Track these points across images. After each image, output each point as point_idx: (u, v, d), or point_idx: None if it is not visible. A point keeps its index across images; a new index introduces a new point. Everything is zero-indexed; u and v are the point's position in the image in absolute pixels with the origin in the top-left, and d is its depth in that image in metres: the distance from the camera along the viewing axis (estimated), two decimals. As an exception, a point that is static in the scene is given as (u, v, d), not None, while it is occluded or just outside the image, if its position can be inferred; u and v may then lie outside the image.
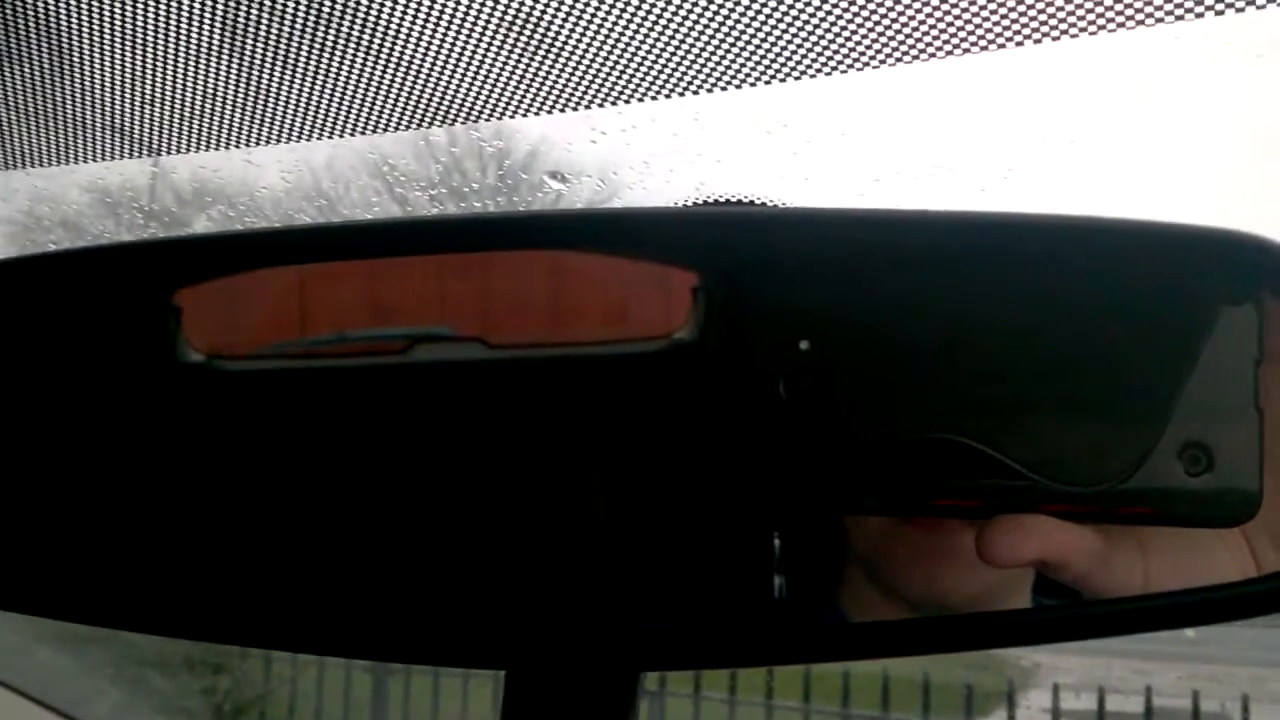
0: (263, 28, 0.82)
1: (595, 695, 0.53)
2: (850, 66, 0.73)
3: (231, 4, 0.79)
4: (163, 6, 0.80)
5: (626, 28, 0.76)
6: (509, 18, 0.77)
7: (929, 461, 0.45)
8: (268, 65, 0.84)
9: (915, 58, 0.71)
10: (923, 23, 0.71)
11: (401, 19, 0.80)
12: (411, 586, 0.50)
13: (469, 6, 0.77)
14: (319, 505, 0.50)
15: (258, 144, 0.92)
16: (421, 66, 0.82)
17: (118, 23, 0.82)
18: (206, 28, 0.83)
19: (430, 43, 0.80)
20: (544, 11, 0.76)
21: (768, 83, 0.77)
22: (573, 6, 0.75)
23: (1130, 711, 3.66)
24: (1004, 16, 0.69)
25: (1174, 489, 0.45)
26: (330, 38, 0.81)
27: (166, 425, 0.51)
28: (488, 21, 0.78)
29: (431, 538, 0.49)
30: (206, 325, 0.49)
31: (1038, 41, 0.67)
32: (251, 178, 1.31)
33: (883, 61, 0.72)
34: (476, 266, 0.47)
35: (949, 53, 0.70)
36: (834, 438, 0.46)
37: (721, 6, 0.73)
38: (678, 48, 0.75)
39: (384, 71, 0.83)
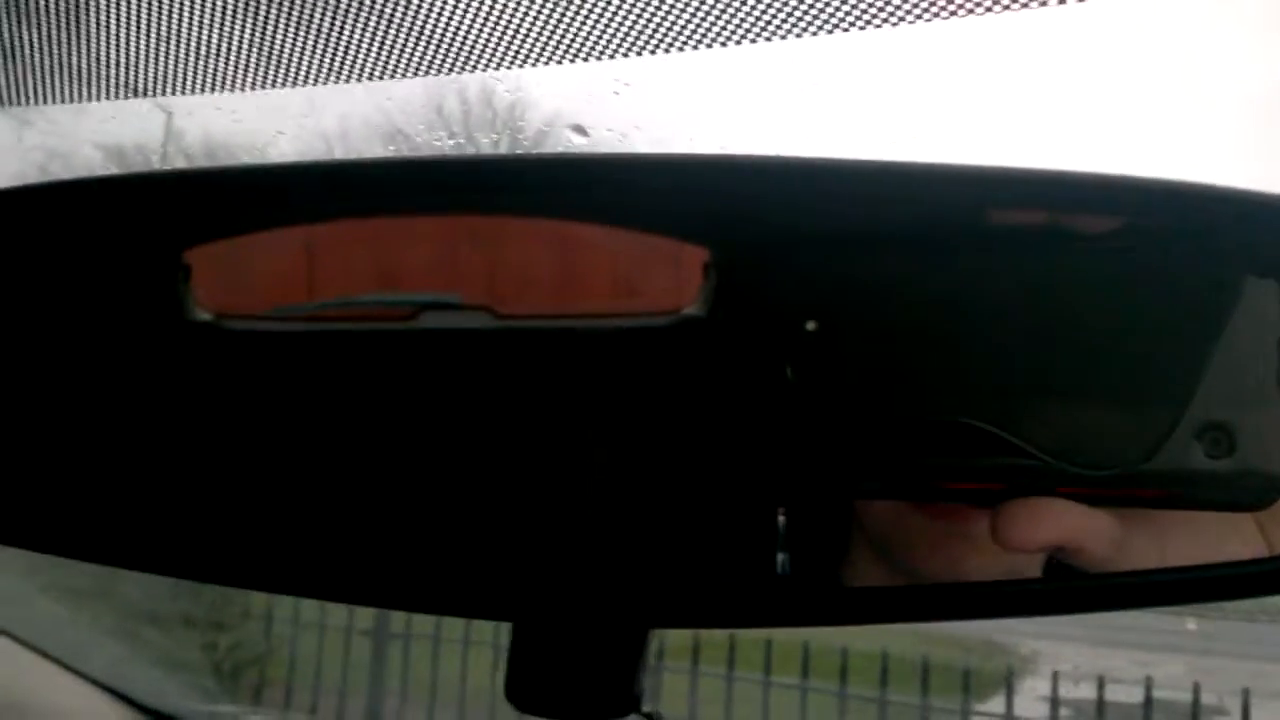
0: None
1: (603, 650, 0.52)
2: (885, 21, 0.70)
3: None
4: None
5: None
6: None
7: (941, 444, 0.45)
8: (278, 4, 0.82)
9: (953, 13, 0.68)
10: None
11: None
12: (423, 539, 0.50)
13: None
14: (330, 463, 0.50)
15: (266, 87, 0.90)
16: (437, 9, 0.80)
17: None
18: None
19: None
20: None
21: (799, 36, 0.74)
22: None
23: (1129, 702, 3.67)
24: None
25: (1194, 471, 0.44)
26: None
27: (173, 380, 0.51)
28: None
29: (442, 495, 0.50)
30: (215, 285, 0.49)
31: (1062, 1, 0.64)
32: (263, 141, 1.31)
33: (919, 17, 0.69)
34: (486, 233, 0.47)
35: (988, 9, 0.67)
36: (840, 420, 0.45)
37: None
38: (706, -3, 0.73)
39: (399, 14, 0.81)
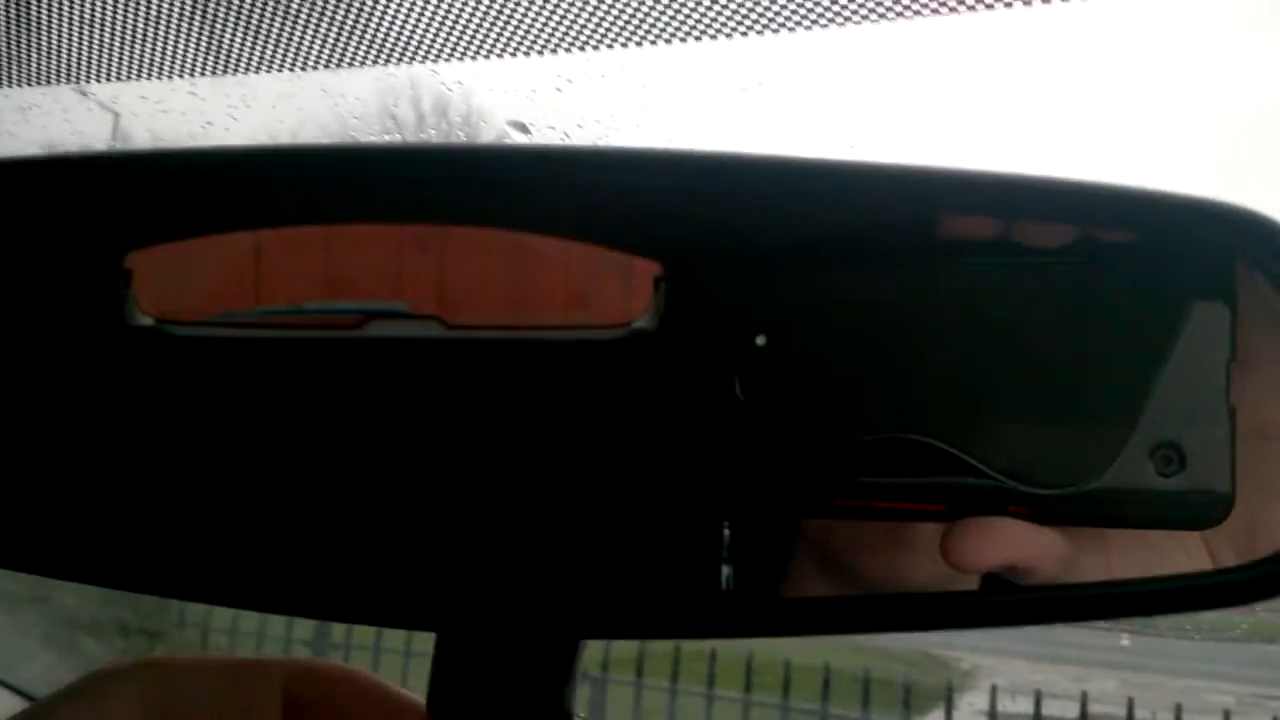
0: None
1: (530, 661, 0.51)
2: (833, 21, 0.70)
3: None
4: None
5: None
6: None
7: (891, 462, 0.44)
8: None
9: (902, 14, 0.68)
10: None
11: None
12: (347, 545, 0.49)
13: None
14: (265, 473, 0.49)
15: (207, 74, 0.88)
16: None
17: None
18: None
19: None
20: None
21: (744, 34, 0.74)
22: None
23: (1066, 716, 3.73)
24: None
25: (1145, 490, 0.44)
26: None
27: (112, 388, 0.50)
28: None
29: (372, 502, 0.49)
30: (157, 289, 0.48)
31: (1027, 3, 0.64)
32: (209, 140, 1.29)
33: (865, 17, 0.69)
34: (436, 242, 0.47)
35: (936, 10, 0.67)
36: (788, 436, 0.45)
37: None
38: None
39: (340, 3, 0.80)
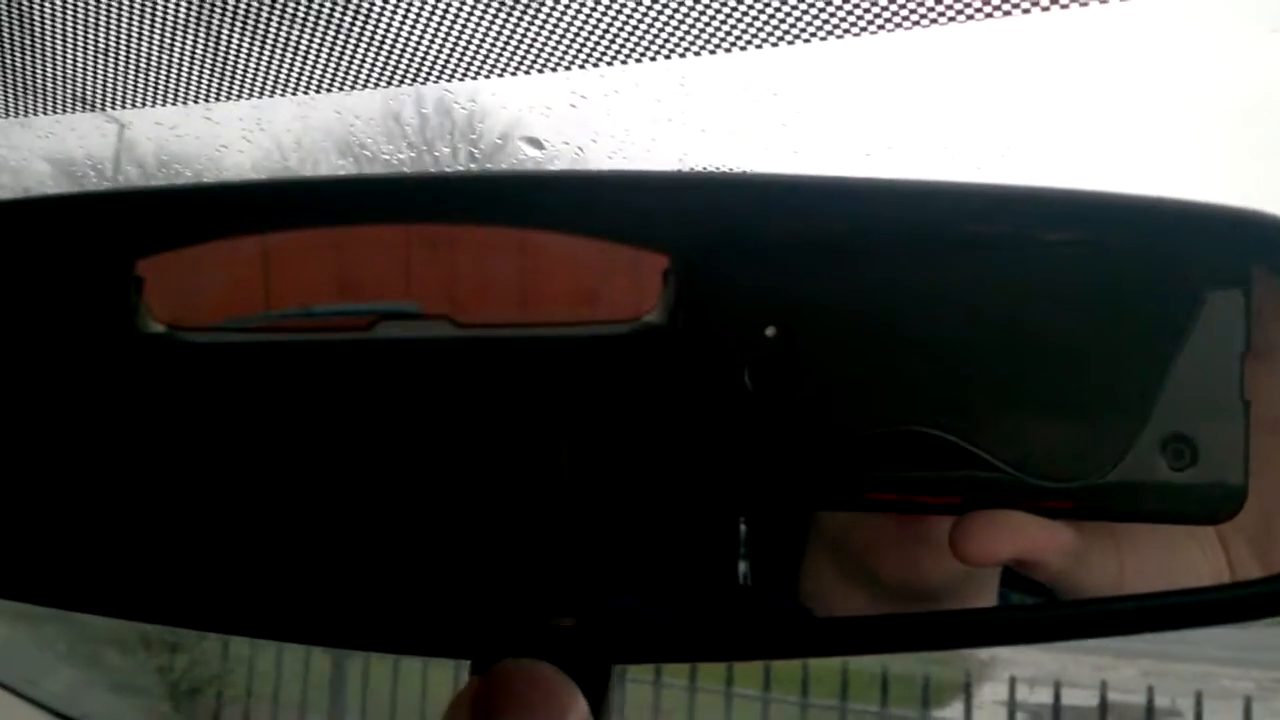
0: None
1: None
2: (846, 32, 0.70)
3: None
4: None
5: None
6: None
7: (901, 455, 0.44)
8: (229, 14, 0.80)
9: (915, 24, 0.68)
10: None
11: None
12: (375, 571, 0.49)
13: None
14: (281, 485, 0.49)
15: (219, 99, 0.88)
16: (394, 20, 0.79)
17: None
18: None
19: (405, -4, 0.77)
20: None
21: (758, 47, 0.74)
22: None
23: (1085, 706, 3.71)
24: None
25: (1156, 484, 0.44)
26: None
27: (125, 397, 0.50)
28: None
29: (396, 521, 0.48)
30: (168, 296, 0.47)
31: (1045, 9, 0.64)
32: (218, 155, 1.29)
33: (880, 28, 0.69)
34: (445, 242, 0.47)
35: (951, 19, 0.67)
36: (799, 429, 0.45)
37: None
38: (664, 8, 0.73)
39: (354, 25, 0.80)
